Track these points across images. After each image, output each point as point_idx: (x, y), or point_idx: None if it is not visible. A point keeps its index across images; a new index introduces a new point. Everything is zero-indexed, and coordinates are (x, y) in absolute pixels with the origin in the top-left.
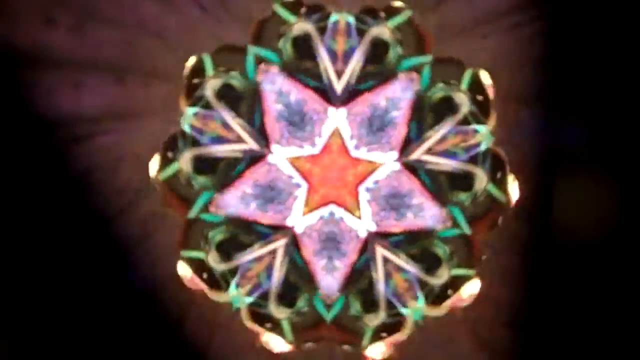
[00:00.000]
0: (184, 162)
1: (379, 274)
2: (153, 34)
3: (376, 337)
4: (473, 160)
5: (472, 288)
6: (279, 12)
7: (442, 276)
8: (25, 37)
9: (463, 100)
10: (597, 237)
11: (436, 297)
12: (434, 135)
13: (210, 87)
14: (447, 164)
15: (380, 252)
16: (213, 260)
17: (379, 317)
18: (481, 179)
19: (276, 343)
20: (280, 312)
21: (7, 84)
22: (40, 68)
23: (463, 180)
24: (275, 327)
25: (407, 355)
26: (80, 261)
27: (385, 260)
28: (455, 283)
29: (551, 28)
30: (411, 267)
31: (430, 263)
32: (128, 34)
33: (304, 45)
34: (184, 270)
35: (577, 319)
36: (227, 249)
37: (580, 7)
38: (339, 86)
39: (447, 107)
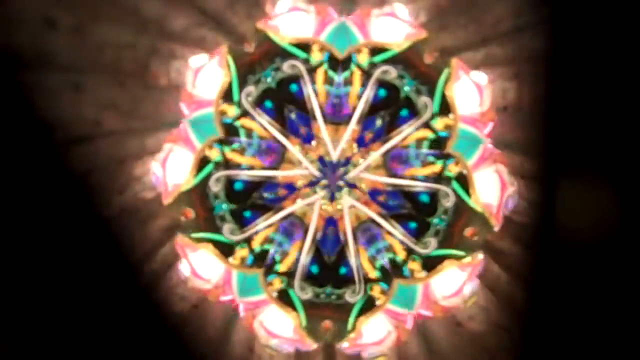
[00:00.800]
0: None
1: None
2: (154, 36)
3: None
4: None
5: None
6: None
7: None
8: (25, 38)
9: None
10: (598, 239)
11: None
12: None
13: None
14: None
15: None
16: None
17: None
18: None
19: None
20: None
21: (7, 86)
22: (40, 69)
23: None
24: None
25: (406, 356)
26: (80, 262)
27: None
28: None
29: (552, 32)
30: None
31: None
32: (129, 36)
33: None
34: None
35: (577, 321)
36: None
37: (582, 11)
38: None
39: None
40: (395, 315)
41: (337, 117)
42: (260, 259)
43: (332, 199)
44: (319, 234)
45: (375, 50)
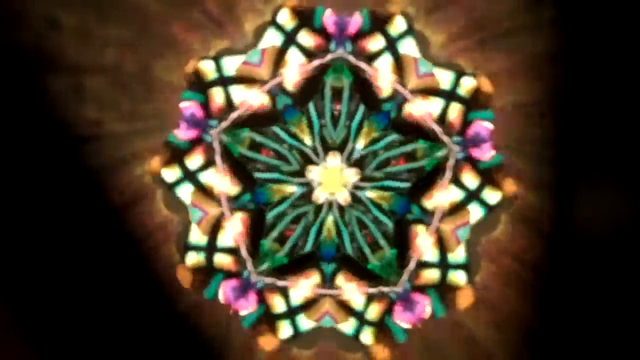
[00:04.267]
0: None
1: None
2: (156, 36)
3: None
4: None
5: None
6: None
7: None
8: (28, 38)
9: None
10: (595, 240)
11: None
12: None
13: None
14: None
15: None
16: None
17: None
18: None
19: None
20: None
21: (9, 86)
22: (42, 70)
23: None
24: None
25: (401, 357)
26: (81, 261)
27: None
28: None
29: (549, 33)
30: None
31: None
32: (131, 37)
33: None
34: None
35: (574, 323)
36: None
37: (578, 12)
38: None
39: None
40: None
41: None
42: None
43: None
44: None
45: None
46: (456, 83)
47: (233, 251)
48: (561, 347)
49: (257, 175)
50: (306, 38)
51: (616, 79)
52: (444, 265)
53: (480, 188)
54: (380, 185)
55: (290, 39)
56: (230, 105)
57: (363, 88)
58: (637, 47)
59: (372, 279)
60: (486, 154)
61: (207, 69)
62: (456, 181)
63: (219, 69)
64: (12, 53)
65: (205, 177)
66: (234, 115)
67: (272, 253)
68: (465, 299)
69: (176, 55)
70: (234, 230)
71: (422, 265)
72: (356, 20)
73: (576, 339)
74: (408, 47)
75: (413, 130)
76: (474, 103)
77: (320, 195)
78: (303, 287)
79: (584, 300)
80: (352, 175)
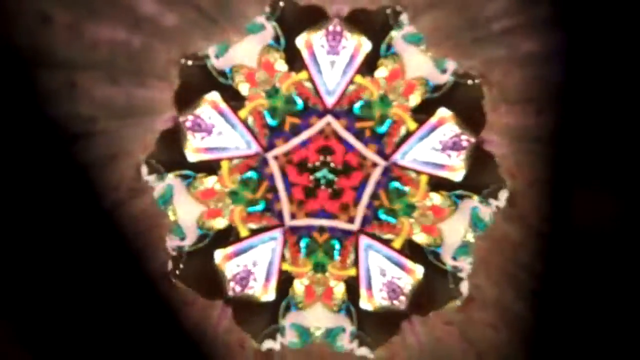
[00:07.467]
0: None
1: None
2: (149, 33)
3: None
4: None
5: None
6: None
7: None
8: (21, 35)
9: None
10: (591, 239)
11: None
12: None
13: None
14: None
15: None
16: None
17: None
18: None
19: None
20: None
21: (1, 82)
22: (36, 67)
23: None
24: None
25: (396, 355)
26: (74, 258)
27: None
28: None
29: (542, 32)
30: None
31: None
32: (124, 34)
33: None
34: None
35: (568, 323)
36: None
37: (571, 11)
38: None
39: None
40: None
41: None
42: None
43: None
44: None
45: None
46: None
47: None
48: (556, 347)
49: None
50: None
51: (612, 77)
52: None
53: None
54: None
55: None
56: None
57: None
58: (634, 44)
59: None
60: None
61: None
62: None
63: None
64: (4, 50)
65: None
66: None
67: None
68: None
69: (169, 52)
70: None
71: None
72: None
73: (570, 338)
74: None
75: None
76: None
77: None
78: None
79: (579, 299)
80: None
